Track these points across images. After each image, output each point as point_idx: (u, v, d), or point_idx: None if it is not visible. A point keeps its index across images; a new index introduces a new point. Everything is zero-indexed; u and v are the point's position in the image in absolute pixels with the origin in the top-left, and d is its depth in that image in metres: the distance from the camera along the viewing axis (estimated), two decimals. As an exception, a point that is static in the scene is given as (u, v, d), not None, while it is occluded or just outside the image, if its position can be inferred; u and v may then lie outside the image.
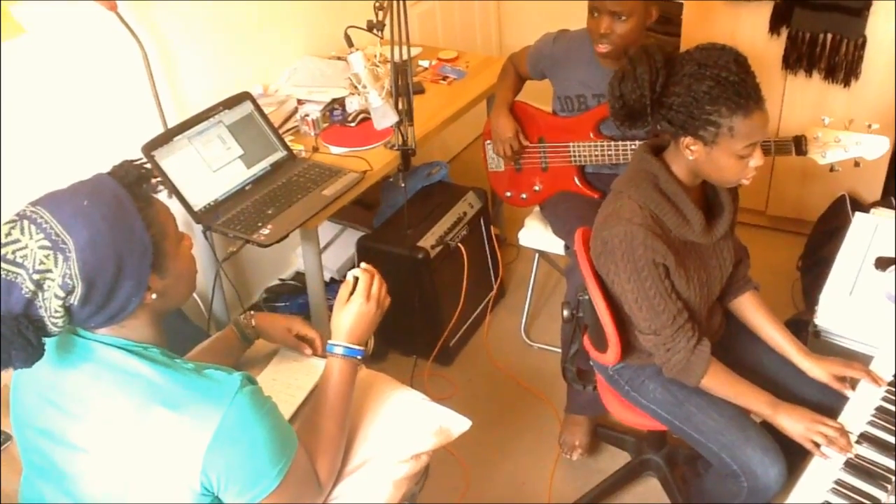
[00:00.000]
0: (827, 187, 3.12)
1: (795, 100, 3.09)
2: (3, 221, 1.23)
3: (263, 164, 2.48)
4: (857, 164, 2.21)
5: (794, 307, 2.98)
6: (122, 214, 1.25)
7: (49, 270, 1.19)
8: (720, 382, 1.81)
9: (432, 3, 3.71)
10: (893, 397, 1.70)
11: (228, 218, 2.29)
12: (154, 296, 1.31)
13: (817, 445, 1.63)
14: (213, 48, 2.70)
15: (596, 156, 2.55)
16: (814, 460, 1.61)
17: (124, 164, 1.33)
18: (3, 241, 1.20)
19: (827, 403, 1.79)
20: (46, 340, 1.28)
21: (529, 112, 2.67)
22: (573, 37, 2.54)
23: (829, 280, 2.03)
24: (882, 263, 2.02)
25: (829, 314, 1.96)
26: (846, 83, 2.96)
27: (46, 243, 1.19)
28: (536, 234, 2.75)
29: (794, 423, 1.71)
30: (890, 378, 1.75)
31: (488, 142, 2.78)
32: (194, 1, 2.59)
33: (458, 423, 1.70)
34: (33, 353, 1.20)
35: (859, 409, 1.69)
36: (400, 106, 2.28)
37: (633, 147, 2.46)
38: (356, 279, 1.63)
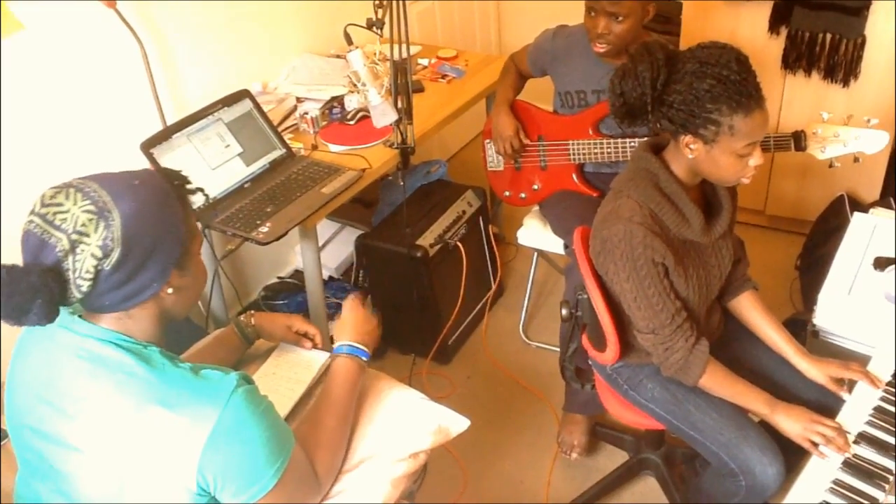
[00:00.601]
0: (826, 187, 3.12)
1: (795, 99, 3.09)
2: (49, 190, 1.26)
3: (262, 162, 2.47)
4: (856, 159, 2.21)
5: (792, 307, 2.98)
6: (167, 201, 1.31)
7: (87, 234, 1.22)
8: (718, 382, 1.81)
9: (432, 1, 3.71)
10: (891, 397, 1.70)
11: (227, 216, 2.29)
12: (170, 290, 1.33)
13: (815, 445, 1.63)
14: (212, 46, 2.70)
15: (595, 154, 2.55)
16: (812, 460, 1.61)
17: (164, 169, 1.41)
18: (46, 202, 1.24)
19: (825, 403, 1.79)
20: (41, 335, 1.30)
21: (529, 111, 2.67)
22: (572, 32, 2.54)
23: (827, 280, 2.03)
24: (880, 263, 2.02)
25: (828, 314, 1.96)
26: (845, 83, 2.96)
27: (92, 208, 1.22)
28: (535, 233, 2.75)
29: (792, 423, 1.71)
30: (888, 379, 1.75)
31: (488, 140, 2.78)
32: (193, -1, 2.59)
33: (456, 423, 1.70)
34: (51, 311, 1.23)
35: (857, 409, 1.69)
36: (399, 104, 2.28)
37: (632, 145, 2.46)
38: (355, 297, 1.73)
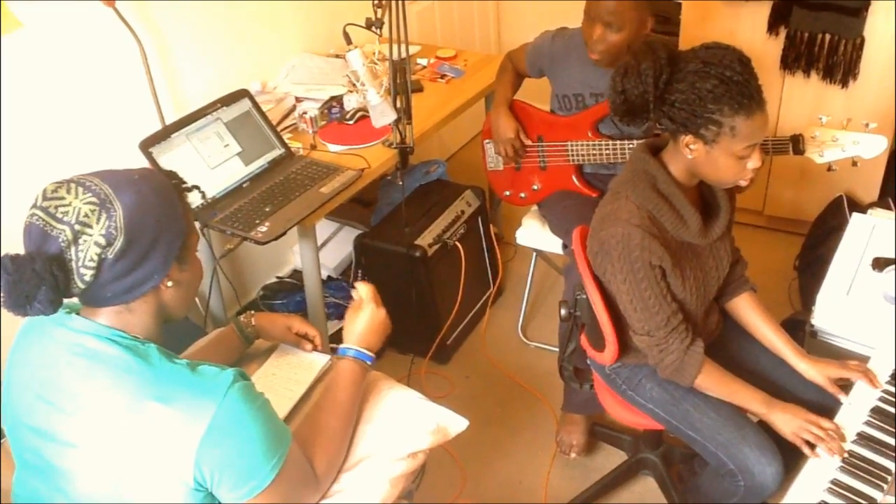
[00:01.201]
0: (824, 188, 3.12)
1: (793, 100, 3.09)
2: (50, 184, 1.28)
3: (261, 162, 2.47)
4: (854, 163, 2.21)
5: (791, 307, 2.99)
6: (169, 195, 1.34)
7: (89, 226, 1.23)
8: (714, 382, 1.81)
9: (431, 1, 3.71)
10: (889, 398, 1.70)
11: (226, 215, 2.29)
12: (170, 283, 1.34)
13: (811, 445, 1.63)
14: (211, 45, 2.70)
15: (594, 155, 2.55)
16: (810, 460, 1.61)
17: (171, 171, 1.43)
18: (48, 195, 1.25)
19: (824, 404, 1.79)
20: (37, 331, 1.31)
21: (528, 111, 2.67)
22: (572, 35, 2.54)
23: (826, 280, 2.03)
24: (879, 264, 2.02)
25: (826, 314, 1.96)
26: (844, 83, 2.97)
27: (94, 200, 1.24)
28: (534, 233, 2.76)
29: (788, 422, 1.71)
30: (887, 378, 1.75)
31: (487, 140, 2.78)
32: (193, -2, 2.59)
33: (455, 423, 1.70)
34: (55, 300, 1.24)
35: (856, 410, 1.69)
36: (398, 104, 2.28)
37: (630, 146, 2.46)
38: (364, 290, 1.69)
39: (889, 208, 2.75)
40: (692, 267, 1.81)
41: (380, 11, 2.16)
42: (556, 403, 2.64)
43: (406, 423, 1.66)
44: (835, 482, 1.53)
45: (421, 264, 2.73)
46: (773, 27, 2.99)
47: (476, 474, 2.52)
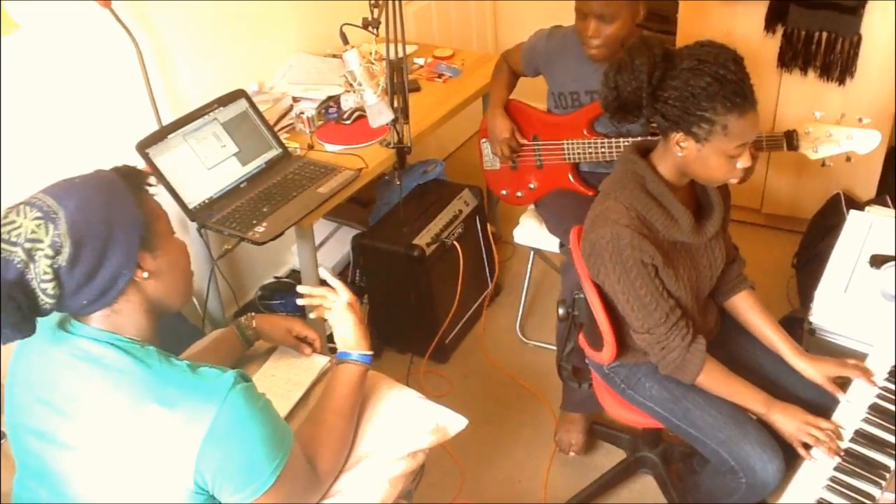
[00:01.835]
0: (822, 185, 3.12)
1: (791, 98, 3.09)
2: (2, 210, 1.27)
3: (258, 162, 2.47)
4: (848, 158, 2.21)
5: (789, 304, 2.99)
6: (114, 189, 1.31)
7: (40, 240, 1.22)
8: (715, 380, 1.81)
9: (428, 0, 3.70)
10: (888, 395, 1.71)
11: (223, 215, 2.28)
12: (146, 275, 1.32)
13: (807, 447, 1.63)
14: (208, 45, 2.69)
15: (590, 153, 2.55)
16: (809, 457, 1.61)
17: (123, 165, 1.38)
18: (2, 222, 1.24)
19: (822, 402, 1.79)
20: (38, 335, 1.29)
21: (524, 110, 2.67)
22: (567, 33, 2.54)
23: (824, 278, 2.04)
24: (877, 261, 2.02)
25: (824, 312, 1.97)
26: (841, 81, 2.97)
27: (39, 215, 1.23)
28: (532, 232, 2.76)
29: (787, 423, 1.71)
30: (885, 375, 1.75)
31: (484, 140, 2.78)
32: (189, -2, 2.58)
33: (454, 422, 1.70)
34: (23, 325, 1.24)
35: (854, 407, 1.69)
36: (395, 104, 2.28)
37: (626, 144, 2.45)
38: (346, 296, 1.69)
39: (886, 205, 2.76)
40: (685, 266, 1.81)
41: (376, 11, 2.16)
42: (554, 402, 2.64)
43: (405, 422, 1.66)
44: (833, 479, 1.53)
45: (419, 264, 2.73)
46: (770, 25, 2.99)
47: (475, 473, 2.52)
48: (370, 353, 1.64)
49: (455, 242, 2.86)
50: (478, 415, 2.68)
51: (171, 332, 1.45)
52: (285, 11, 2.98)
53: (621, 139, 2.47)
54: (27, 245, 1.22)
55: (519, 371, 2.89)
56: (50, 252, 1.22)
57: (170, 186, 2.25)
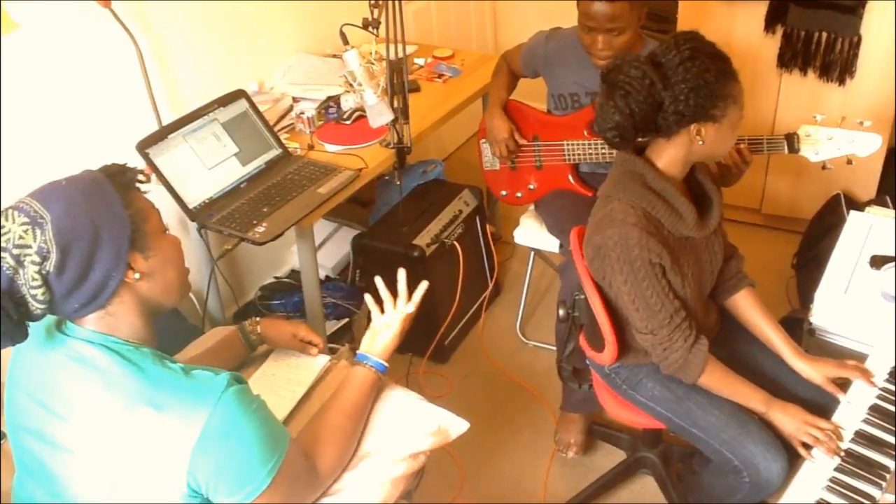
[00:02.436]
0: (822, 186, 3.12)
1: (790, 98, 3.09)
2: None
3: (258, 162, 2.47)
4: (849, 161, 2.21)
5: (789, 305, 2.99)
6: (100, 191, 1.29)
7: (28, 245, 1.21)
8: (717, 380, 1.81)
9: (428, 1, 3.70)
10: (888, 395, 1.71)
11: (223, 216, 2.28)
12: (137, 276, 1.31)
13: (807, 447, 1.63)
14: (208, 45, 2.69)
15: (590, 154, 2.55)
16: (809, 458, 1.61)
17: (110, 164, 1.36)
18: None
19: (822, 402, 1.79)
20: (35, 335, 1.30)
21: (523, 111, 2.67)
22: (566, 35, 2.54)
23: (823, 278, 2.04)
24: (877, 262, 2.03)
25: (824, 312, 1.97)
26: (841, 81, 2.97)
27: (26, 220, 1.22)
28: (532, 233, 2.76)
29: (787, 422, 1.72)
30: (885, 376, 1.75)
31: (483, 140, 2.78)
32: (189, -2, 2.58)
33: (456, 424, 1.70)
34: (15, 332, 1.23)
35: (854, 407, 1.69)
36: (395, 104, 2.28)
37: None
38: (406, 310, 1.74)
39: (886, 206, 2.76)
40: (689, 263, 1.81)
41: (376, 11, 2.16)
42: (554, 402, 2.64)
43: (407, 424, 1.66)
44: (834, 480, 1.53)
45: (419, 264, 2.73)
46: (769, 25, 2.99)
47: (475, 474, 2.52)
48: (387, 365, 1.66)
49: (455, 243, 2.86)
50: (478, 415, 2.68)
51: (170, 333, 1.45)
52: (285, 11, 2.98)
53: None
54: (15, 251, 1.21)
55: (519, 371, 2.89)
56: (37, 259, 1.21)
57: (170, 186, 2.25)
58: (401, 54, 2.16)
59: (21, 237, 1.21)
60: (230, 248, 2.22)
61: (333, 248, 3.20)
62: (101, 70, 2.36)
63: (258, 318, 1.84)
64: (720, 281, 1.97)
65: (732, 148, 1.79)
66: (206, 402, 1.26)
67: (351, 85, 2.28)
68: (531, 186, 2.72)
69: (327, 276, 3.12)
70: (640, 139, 1.75)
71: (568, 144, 2.57)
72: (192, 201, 2.29)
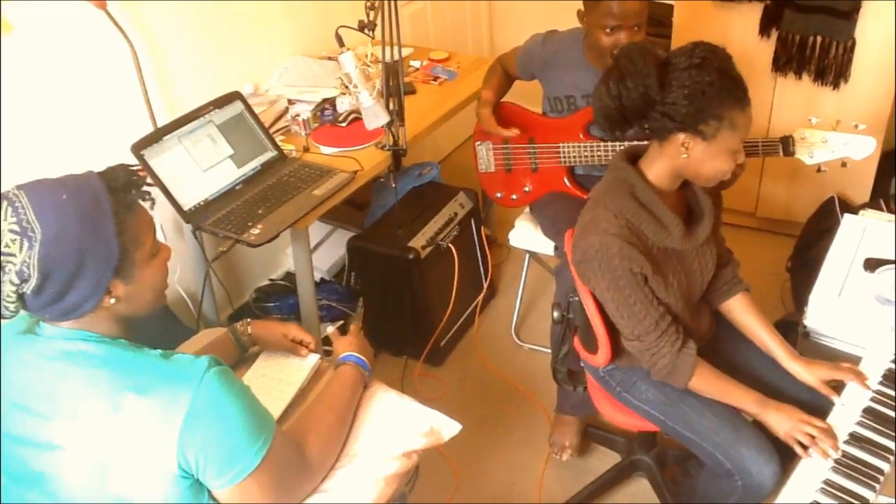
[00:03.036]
0: (816, 189, 3.13)
1: (785, 102, 3.10)
2: None
3: (254, 164, 2.47)
4: (844, 164, 2.22)
5: (783, 308, 2.99)
6: (97, 215, 1.27)
7: (13, 254, 1.22)
8: (707, 383, 1.81)
9: (423, 3, 3.71)
10: (882, 398, 1.71)
11: (218, 217, 2.28)
12: (113, 300, 1.32)
13: (803, 446, 1.64)
14: (203, 47, 2.69)
15: (585, 157, 2.55)
16: (803, 460, 1.61)
17: (118, 168, 1.35)
18: None
19: (817, 404, 1.79)
20: (7, 339, 1.31)
21: (519, 113, 2.67)
22: (562, 38, 2.54)
23: (818, 281, 2.04)
24: (871, 265, 2.03)
25: (819, 315, 1.97)
26: (836, 85, 2.97)
27: (16, 227, 1.22)
28: (527, 235, 2.76)
29: (782, 422, 1.71)
30: (879, 379, 1.75)
31: (479, 142, 2.78)
32: (184, 0, 2.57)
33: (448, 426, 1.71)
34: None
35: (848, 410, 1.70)
36: (391, 106, 2.28)
37: (622, 148, 2.46)
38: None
39: (881, 209, 2.76)
40: (675, 272, 1.81)
41: (372, 14, 2.16)
42: (549, 405, 2.64)
43: (399, 424, 1.67)
44: (827, 482, 1.53)
45: (414, 266, 2.73)
46: (764, 29, 3.00)
47: (469, 476, 2.52)
48: (366, 360, 1.70)
49: (450, 245, 2.86)
50: (473, 417, 2.69)
51: (164, 333, 1.45)
52: (281, 13, 2.98)
53: (617, 143, 2.47)
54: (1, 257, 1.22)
55: (514, 374, 2.89)
56: (16, 280, 1.22)
57: (165, 188, 2.25)
58: (396, 57, 2.17)
59: (7, 245, 1.21)
60: (225, 250, 2.22)
61: (329, 250, 3.20)
62: (97, 72, 2.36)
63: (249, 320, 1.84)
64: (715, 286, 1.97)
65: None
66: (190, 382, 1.28)
67: (347, 87, 2.29)
68: (526, 189, 2.72)
69: (322, 279, 3.12)
70: (629, 131, 1.75)
71: (564, 147, 2.57)
72: (187, 203, 2.29)
